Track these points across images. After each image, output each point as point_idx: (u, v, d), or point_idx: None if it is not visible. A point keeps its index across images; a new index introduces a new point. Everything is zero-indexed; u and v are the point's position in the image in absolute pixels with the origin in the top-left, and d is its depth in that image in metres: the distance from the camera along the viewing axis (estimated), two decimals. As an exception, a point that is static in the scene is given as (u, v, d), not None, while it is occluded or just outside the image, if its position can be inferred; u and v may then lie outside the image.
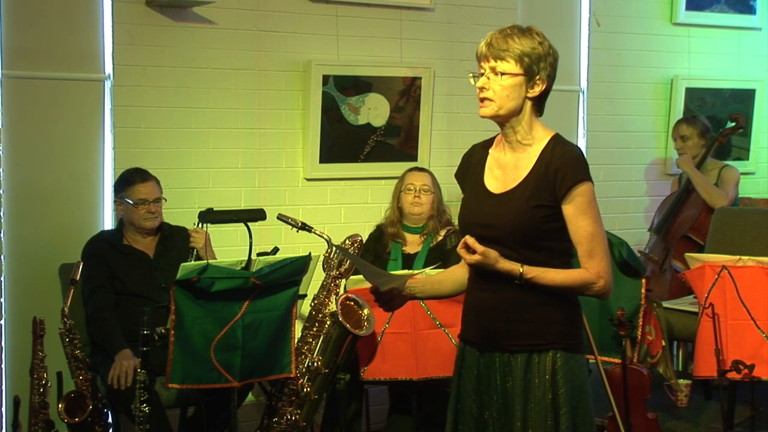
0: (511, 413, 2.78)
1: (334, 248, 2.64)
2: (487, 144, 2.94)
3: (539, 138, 2.81)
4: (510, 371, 2.79)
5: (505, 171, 2.83)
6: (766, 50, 6.48)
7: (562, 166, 2.73)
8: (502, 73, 2.73)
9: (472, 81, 2.81)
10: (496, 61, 2.74)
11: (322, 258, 4.30)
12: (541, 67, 2.76)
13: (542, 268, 2.73)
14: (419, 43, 5.38)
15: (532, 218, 2.73)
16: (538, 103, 2.81)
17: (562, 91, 5.48)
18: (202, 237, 4.36)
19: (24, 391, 4.04)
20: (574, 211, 2.73)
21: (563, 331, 2.79)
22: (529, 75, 2.75)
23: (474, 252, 2.69)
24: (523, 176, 2.79)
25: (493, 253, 2.70)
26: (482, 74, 2.78)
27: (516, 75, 2.73)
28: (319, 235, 4.24)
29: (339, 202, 5.22)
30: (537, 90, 2.77)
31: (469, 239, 2.70)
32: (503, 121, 2.80)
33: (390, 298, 2.85)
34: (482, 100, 2.78)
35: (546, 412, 2.74)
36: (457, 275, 2.96)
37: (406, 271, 4.14)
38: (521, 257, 2.73)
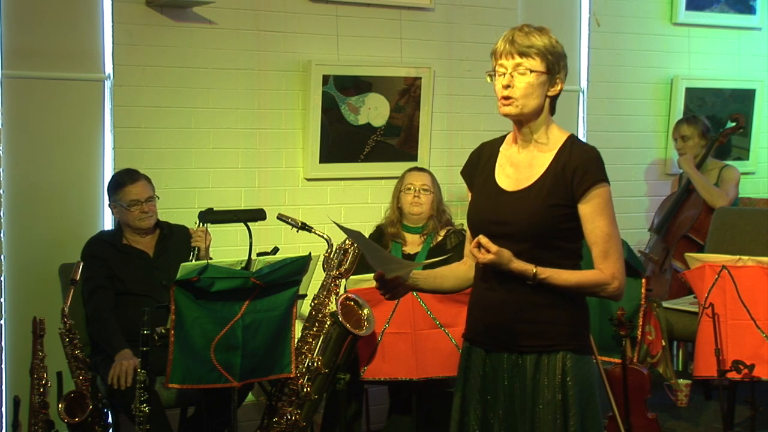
0: (518, 414, 2.77)
1: (345, 232, 2.57)
2: (497, 142, 2.91)
3: (555, 137, 2.79)
4: (518, 372, 2.77)
5: (519, 169, 2.81)
6: (766, 50, 6.48)
7: (580, 166, 2.72)
8: (530, 70, 2.70)
9: (488, 80, 2.78)
10: (521, 58, 2.70)
11: (322, 258, 4.30)
12: (561, 66, 2.76)
13: (555, 269, 2.71)
14: (419, 43, 5.38)
15: (549, 217, 2.72)
16: (553, 103, 2.80)
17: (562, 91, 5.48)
18: (206, 238, 4.35)
19: (24, 391, 4.04)
20: (590, 211, 2.72)
21: (572, 332, 2.77)
22: (551, 73, 2.73)
23: (488, 251, 2.65)
24: (539, 174, 2.76)
25: (506, 253, 2.67)
26: (501, 73, 2.73)
27: (541, 73, 2.71)
28: (319, 235, 4.25)
29: (339, 202, 5.22)
30: (557, 89, 2.76)
31: (483, 239, 2.66)
32: (524, 120, 2.77)
33: (394, 287, 2.77)
34: (506, 98, 2.73)
35: (555, 413, 2.72)
36: (458, 272, 2.94)
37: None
38: (533, 256, 2.71)
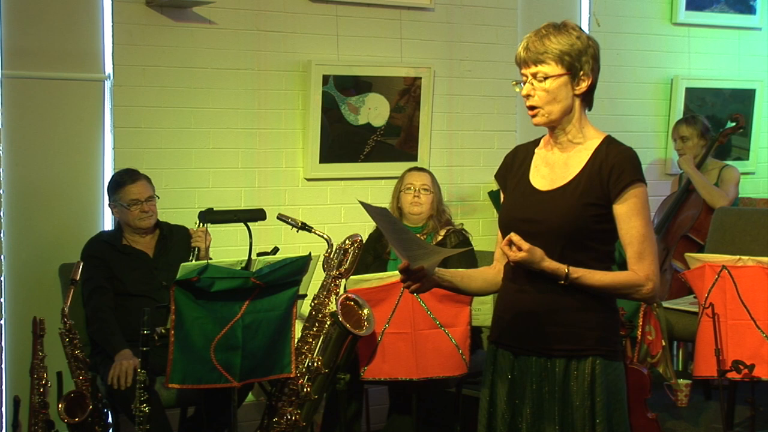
0: (547, 419, 2.72)
1: (368, 211, 2.48)
2: (533, 144, 2.87)
3: (591, 137, 2.76)
4: (547, 376, 2.72)
5: (554, 169, 2.77)
6: (766, 50, 6.49)
7: (617, 165, 2.68)
8: (545, 77, 2.68)
9: (516, 89, 2.76)
10: (536, 66, 2.69)
11: (322, 258, 4.30)
12: (584, 62, 2.71)
13: (587, 269, 2.65)
14: (419, 43, 5.38)
15: (583, 216, 2.67)
16: (586, 98, 2.76)
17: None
18: (206, 238, 4.35)
19: (24, 391, 4.04)
20: (626, 211, 2.67)
21: (603, 336, 2.71)
22: (573, 72, 2.70)
23: (519, 249, 2.60)
24: (574, 174, 2.72)
25: (538, 252, 2.61)
26: (525, 81, 2.72)
27: (559, 76, 2.68)
28: (319, 235, 4.24)
29: (339, 202, 5.22)
30: (584, 86, 2.72)
31: (514, 236, 2.61)
32: (555, 124, 2.74)
33: (419, 278, 2.65)
34: (530, 108, 2.72)
35: (584, 420, 2.67)
36: (487, 275, 2.88)
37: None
38: (564, 256, 2.65)
